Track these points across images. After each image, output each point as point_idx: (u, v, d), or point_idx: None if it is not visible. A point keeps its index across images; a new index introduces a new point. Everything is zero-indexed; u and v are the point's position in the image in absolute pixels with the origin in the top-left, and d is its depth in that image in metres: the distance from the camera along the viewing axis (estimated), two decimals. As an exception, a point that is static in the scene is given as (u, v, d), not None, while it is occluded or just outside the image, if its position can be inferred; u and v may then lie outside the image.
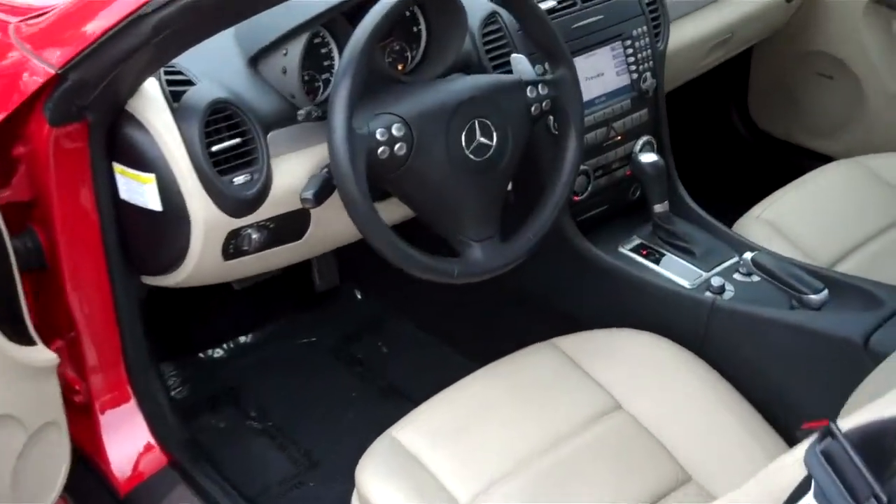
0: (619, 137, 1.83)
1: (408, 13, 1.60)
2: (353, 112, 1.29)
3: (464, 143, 1.39)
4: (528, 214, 1.51)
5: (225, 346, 2.24)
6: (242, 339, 2.26)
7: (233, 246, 1.48)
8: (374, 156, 1.32)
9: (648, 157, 1.76)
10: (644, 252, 1.76)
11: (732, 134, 2.71)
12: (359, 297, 2.39)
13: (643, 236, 1.80)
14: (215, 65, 1.46)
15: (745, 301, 1.60)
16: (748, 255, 1.61)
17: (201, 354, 2.22)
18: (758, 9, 2.20)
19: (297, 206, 1.49)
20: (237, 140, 1.41)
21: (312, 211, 1.51)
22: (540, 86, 1.48)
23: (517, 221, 1.51)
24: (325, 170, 1.42)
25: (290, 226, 1.53)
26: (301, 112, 1.40)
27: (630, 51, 1.82)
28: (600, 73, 1.79)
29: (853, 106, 2.38)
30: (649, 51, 1.84)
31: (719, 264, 1.71)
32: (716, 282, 1.63)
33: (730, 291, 1.63)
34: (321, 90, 1.51)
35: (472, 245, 1.43)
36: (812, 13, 2.36)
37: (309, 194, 1.39)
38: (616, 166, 1.85)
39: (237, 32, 1.51)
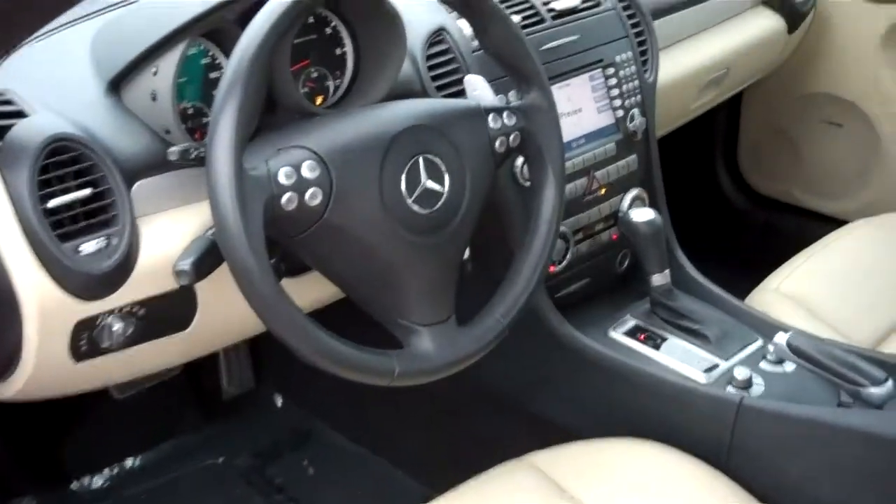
0: (603, 190, 1.53)
1: (328, 30, 1.29)
2: (243, 144, 0.96)
3: (404, 190, 1.07)
4: (494, 288, 1.18)
5: (107, 472, 1.92)
6: (129, 462, 1.94)
7: (86, 342, 1.13)
8: (277, 207, 0.99)
9: (642, 215, 1.46)
10: (641, 336, 1.45)
11: (718, 195, 2.44)
12: (279, 404, 2.06)
13: (638, 316, 1.49)
14: (61, 92, 1.13)
15: (780, 398, 1.30)
16: (781, 338, 1.31)
17: (76, 484, 1.89)
18: (755, 39, 1.96)
19: (174, 283, 1.14)
20: (86, 192, 1.07)
21: (199, 290, 1.17)
22: (505, 114, 1.17)
23: (478, 298, 1.18)
24: (211, 231, 1.09)
25: (169, 311, 1.19)
26: (174, 150, 1.06)
27: (613, 81, 1.53)
28: (577, 108, 1.49)
29: (868, 158, 2.15)
30: (636, 82, 1.56)
31: (740, 350, 1.41)
32: (740, 373, 1.32)
33: (759, 385, 1.33)
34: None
35: (419, 331, 1.10)
36: (816, 47, 2.11)
37: (186, 265, 1.05)
38: (600, 227, 1.54)
39: (93, 51, 1.19)
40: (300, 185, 1.00)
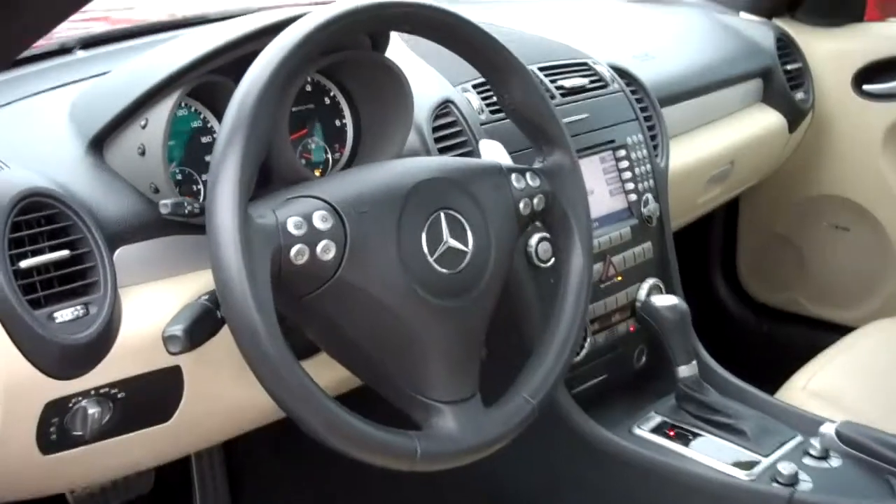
0: (619, 277, 1.44)
1: (327, 100, 1.22)
2: (248, 189, 0.87)
3: (425, 247, 0.97)
4: (510, 374, 1.07)
5: None
6: None
7: (56, 429, 1.00)
8: (286, 260, 0.89)
9: (666, 300, 1.37)
10: (671, 433, 1.33)
11: (716, 304, 2.36)
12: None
13: (664, 412, 1.38)
14: (37, 151, 1.05)
15: (832, 493, 1.18)
16: (828, 428, 1.21)
17: None
18: (758, 136, 1.92)
19: (160, 362, 1.03)
20: (63, 254, 0.96)
21: (186, 371, 1.05)
22: (529, 175, 1.09)
23: (496, 381, 1.06)
24: (205, 297, 0.98)
25: (151, 396, 1.07)
26: (167, 202, 0.96)
27: (625, 164, 1.47)
28: (589, 189, 1.40)
29: (876, 263, 2.08)
30: (648, 166, 1.50)
31: (780, 446, 1.30)
32: (785, 468, 1.21)
33: (806, 482, 1.22)
34: (202, 193, 1.09)
35: (441, 410, 0.98)
36: (818, 147, 2.08)
37: (177, 330, 0.94)
38: (617, 318, 1.45)
39: (72, 113, 1.11)
40: (311, 237, 0.90)
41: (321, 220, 0.91)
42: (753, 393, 1.42)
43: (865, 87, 2.01)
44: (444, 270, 0.98)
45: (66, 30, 1.32)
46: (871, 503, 1.15)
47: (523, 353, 1.09)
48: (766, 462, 1.25)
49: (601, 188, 1.44)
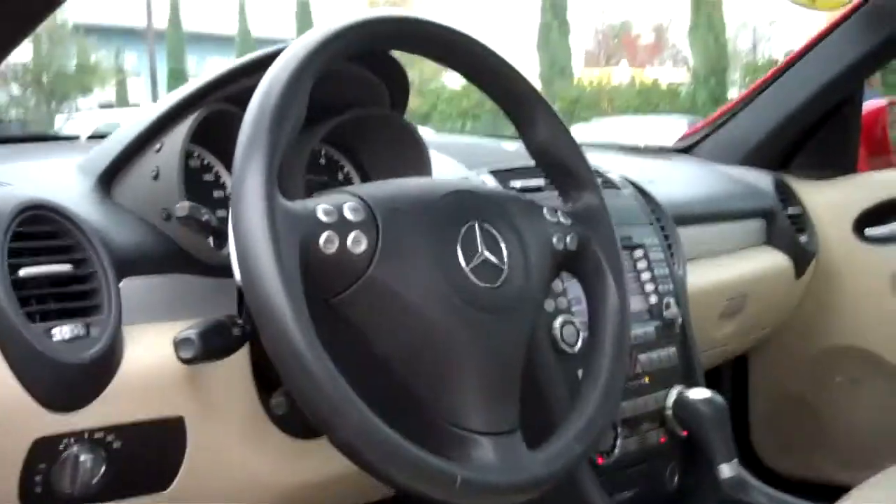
0: (647, 379, 1.36)
1: (340, 175, 1.20)
2: (276, 174, 0.82)
3: (461, 256, 0.91)
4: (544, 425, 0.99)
5: None
6: None
7: (42, 479, 0.90)
8: (314, 249, 0.83)
9: (702, 393, 1.30)
10: (720, 538, 1.22)
11: None
12: None
13: (710, 520, 1.26)
14: (46, 183, 1.00)
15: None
16: None
17: None
18: (767, 274, 1.90)
19: (162, 409, 0.94)
20: (65, 268, 0.89)
21: (190, 421, 0.96)
22: (560, 213, 1.05)
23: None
24: (223, 317, 0.91)
25: (149, 451, 0.96)
26: (184, 205, 0.91)
27: (643, 264, 1.43)
28: (609, 286, 1.37)
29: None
30: (667, 270, 1.46)
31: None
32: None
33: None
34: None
35: (479, 442, 0.89)
36: (826, 295, 2.06)
37: (191, 333, 0.87)
38: (646, 426, 1.35)
39: (81, 164, 1.08)
40: (342, 226, 0.85)
41: (352, 212, 0.86)
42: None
43: (868, 231, 2.02)
44: (480, 283, 0.92)
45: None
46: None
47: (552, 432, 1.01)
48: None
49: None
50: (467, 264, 0.92)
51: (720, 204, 1.82)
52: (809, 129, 2.11)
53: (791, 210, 1.99)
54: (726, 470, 1.26)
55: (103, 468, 0.92)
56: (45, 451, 0.88)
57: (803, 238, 1.98)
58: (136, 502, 0.97)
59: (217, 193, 1.08)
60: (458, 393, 0.89)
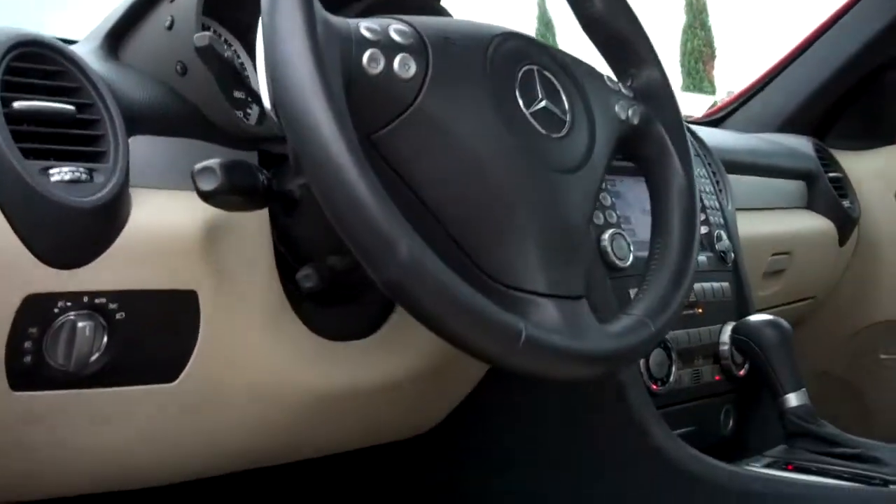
0: (700, 310, 1.24)
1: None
2: None
3: (520, 98, 0.80)
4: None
5: None
6: None
7: (33, 348, 0.77)
8: (357, 68, 0.72)
9: (766, 317, 1.18)
10: (789, 467, 1.09)
11: None
12: None
13: (775, 454, 1.13)
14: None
15: None
16: None
17: None
18: (811, 234, 1.79)
19: (172, 280, 0.83)
20: (67, 107, 0.78)
21: (204, 297, 0.84)
22: (621, 85, 0.94)
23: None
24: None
25: (155, 328, 0.84)
26: (205, 34, 0.80)
27: (694, 193, 1.31)
28: (655, 210, 1.26)
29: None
30: (716, 202, 1.35)
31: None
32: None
33: None
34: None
35: (540, 303, 0.77)
36: (870, 266, 1.94)
37: (213, 162, 0.75)
38: (700, 361, 1.23)
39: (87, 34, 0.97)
40: (388, 46, 0.73)
41: (399, 34, 0.75)
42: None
43: (914, 199, 1.91)
44: (542, 130, 0.80)
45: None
46: None
47: None
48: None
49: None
50: (527, 108, 0.80)
51: (764, 158, 1.71)
52: (847, 97, 2.01)
53: (832, 174, 1.88)
54: (793, 399, 1.14)
55: (104, 341, 0.79)
56: (38, 312, 0.76)
57: (846, 203, 1.86)
58: (138, 393, 0.84)
59: (237, 94, 0.97)
60: (518, 251, 0.77)
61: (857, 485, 1.01)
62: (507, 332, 0.70)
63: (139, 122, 0.83)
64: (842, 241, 1.86)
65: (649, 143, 0.94)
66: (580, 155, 0.83)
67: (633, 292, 1.16)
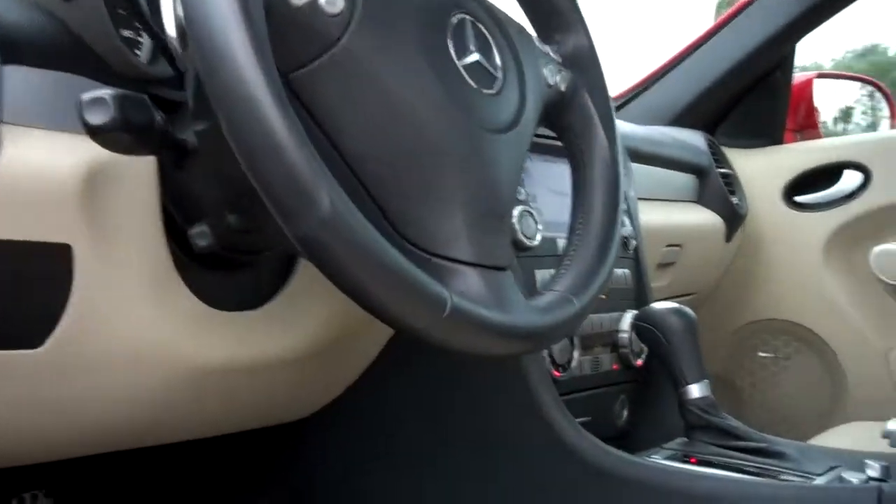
0: (604, 296, 1.19)
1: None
2: None
3: (451, 48, 0.73)
4: None
5: None
6: None
7: None
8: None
9: (671, 304, 1.14)
10: (692, 461, 1.05)
11: None
12: None
13: (675, 446, 1.10)
14: None
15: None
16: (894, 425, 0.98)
17: None
18: (701, 228, 1.78)
19: (43, 231, 0.73)
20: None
21: (79, 253, 0.74)
22: (549, 48, 0.89)
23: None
24: None
25: (20, 286, 0.74)
26: None
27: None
28: (562, 191, 1.20)
29: (827, 392, 1.89)
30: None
31: (831, 469, 1.03)
32: (872, 467, 0.95)
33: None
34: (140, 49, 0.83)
35: (464, 272, 0.70)
36: (754, 264, 1.95)
37: (105, 94, 0.66)
38: (599, 349, 1.19)
39: None
40: None
41: None
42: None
43: (797, 198, 1.92)
44: (474, 84, 0.74)
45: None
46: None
47: None
48: (831, 474, 0.99)
49: (575, 195, 1.23)
50: (459, 59, 0.74)
51: (660, 148, 1.69)
52: (737, 96, 2.01)
53: (722, 170, 1.88)
54: (695, 390, 1.10)
55: None
56: None
57: (734, 199, 1.87)
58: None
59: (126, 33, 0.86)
60: (443, 214, 0.70)
61: (769, 480, 0.98)
62: (433, 302, 0.63)
63: (13, 50, 0.73)
64: (728, 237, 1.86)
65: (574, 111, 0.89)
66: (511, 115, 0.77)
67: (539, 273, 1.11)
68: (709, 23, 2.02)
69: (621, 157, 0.91)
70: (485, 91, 0.75)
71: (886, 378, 1.81)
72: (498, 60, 0.77)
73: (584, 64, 0.91)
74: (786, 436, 1.27)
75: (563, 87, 0.88)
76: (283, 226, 0.59)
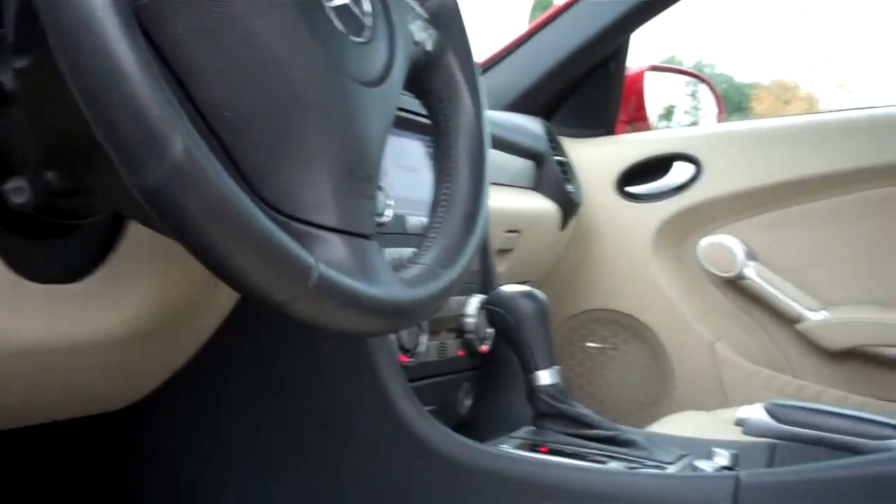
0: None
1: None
2: None
3: None
4: None
5: None
6: None
7: None
8: None
9: (522, 288, 1.10)
10: (543, 450, 1.01)
11: None
12: None
13: (523, 435, 1.06)
14: None
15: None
16: (752, 412, 0.97)
17: None
18: (538, 214, 1.77)
19: None
20: None
21: None
22: (417, 5, 0.82)
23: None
24: None
25: None
26: None
27: (443, 151, 1.21)
28: (412, 167, 1.15)
29: (655, 381, 1.91)
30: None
31: (681, 457, 1.01)
32: (721, 455, 0.93)
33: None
34: None
35: (328, 239, 0.63)
36: (585, 255, 1.95)
37: None
38: (444, 335, 1.14)
39: None
40: None
41: None
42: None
43: (629, 189, 1.93)
44: (343, 28, 0.66)
45: None
46: (839, 462, 0.90)
47: None
48: (682, 462, 0.97)
49: (425, 172, 1.17)
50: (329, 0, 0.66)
51: (501, 132, 1.65)
52: (573, 84, 2.01)
53: (559, 158, 1.87)
54: (545, 376, 1.06)
55: None
56: None
57: (570, 187, 1.86)
58: None
59: None
60: (307, 173, 0.63)
61: (623, 468, 0.95)
62: (298, 270, 0.56)
63: None
64: (563, 225, 1.85)
65: (439, 74, 0.84)
66: (380, 68, 0.71)
67: (388, 252, 1.05)
68: (524, 22, 2.01)
69: (487, 126, 0.86)
70: (353, 38, 0.68)
71: (711, 369, 1.85)
72: (367, 6, 0.71)
73: (449, 23, 0.85)
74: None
75: (428, 47, 0.81)
76: (125, 175, 0.50)
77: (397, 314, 0.66)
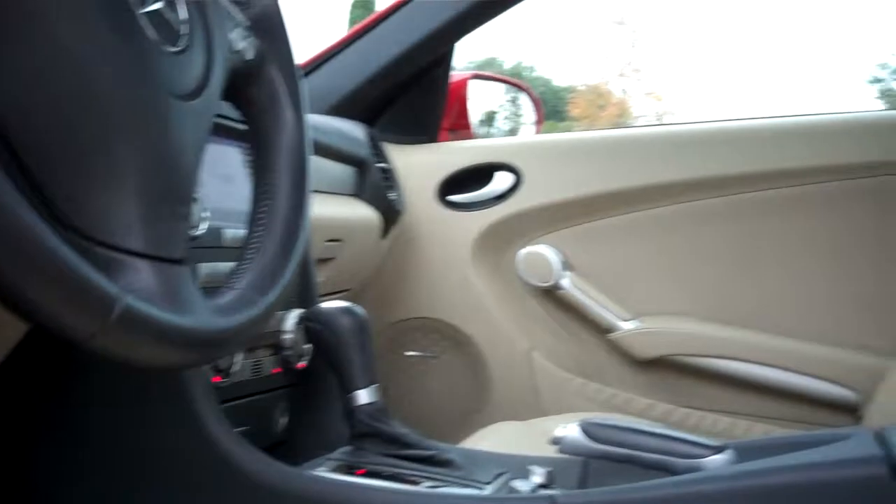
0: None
1: None
2: None
3: None
4: None
5: None
6: None
7: None
8: None
9: (341, 304, 1.08)
10: (360, 472, 1.00)
11: None
12: None
13: (341, 456, 1.04)
14: None
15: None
16: (568, 430, 0.98)
17: None
18: (360, 222, 1.75)
19: None
20: None
21: None
22: (236, 11, 0.79)
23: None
24: None
25: None
26: None
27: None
28: (229, 176, 1.11)
29: (474, 389, 1.92)
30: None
31: (498, 476, 1.02)
32: (537, 473, 0.94)
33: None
34: None
35: (135, 266, 0.59)
36: (405, 264, 1.94)
37: None
38: (261, 352, 1.11)
39: None
40: None
41: None
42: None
43: (450, 197, 1.94)
44: (156, 36, 0.62)
45: None
46: (654, 482, 0.92)
47: None
48: (499, 481, 0.97)
49: (241, 180, 1.13)
50: (136, 7, 0.62)
51: (323, 137, 1.62)
52: (397, 90, 2.00)
53: (381, 165, 1.85)
54: (364, 396, 1.05)
55: None
56: None
57: (392, 195, 1.84)
58: None
59: None
60: (112, 195, 0.59)
61: (439, 491, 0.95)
62: (98, 302, 0.52)
63: None
64: (384, 233, 1.84)
65: (260, 85, 0.81)
66: (196, 80, 0.67)
67: (202, 267, 1.00)
68: (344, 23, 1.99)
69: (309, 139, 0.83)
70: (167, 48, 0.64)
71: (528, 377, 1.88)
72: (183, 13, 0.67)
73: (271, 32, 0.83)
74: (432, 437, 1.26)
75: (249, 56, 0.79)
76: None
77: (209, 345, 0.63)
